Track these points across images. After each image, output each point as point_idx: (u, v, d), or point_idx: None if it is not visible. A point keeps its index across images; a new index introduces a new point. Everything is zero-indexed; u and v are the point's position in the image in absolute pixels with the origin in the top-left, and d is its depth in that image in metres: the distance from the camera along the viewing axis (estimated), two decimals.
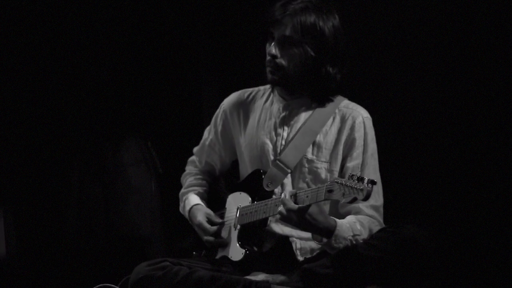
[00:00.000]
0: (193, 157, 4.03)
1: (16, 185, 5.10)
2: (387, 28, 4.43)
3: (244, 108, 3.81)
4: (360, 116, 3.59)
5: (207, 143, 3.94)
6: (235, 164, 3.88)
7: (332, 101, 3.62)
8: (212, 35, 5.09)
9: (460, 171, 4.31)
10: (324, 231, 3.39)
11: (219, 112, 3.89)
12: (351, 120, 3.58)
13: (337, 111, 3.62)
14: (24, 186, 5.11)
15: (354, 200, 3.13)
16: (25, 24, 5.05)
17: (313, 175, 3.59)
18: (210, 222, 3.74)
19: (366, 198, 3.10)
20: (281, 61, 3.54)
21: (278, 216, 3.37)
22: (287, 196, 3.35)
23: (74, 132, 5.13)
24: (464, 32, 4.27)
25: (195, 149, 4.02)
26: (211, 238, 3.72)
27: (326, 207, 3.57)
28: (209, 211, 3.79)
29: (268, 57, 3.56)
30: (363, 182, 3.10)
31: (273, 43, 3.54)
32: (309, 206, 3.30)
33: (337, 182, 3.18)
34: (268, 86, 3.79)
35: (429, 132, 4.37)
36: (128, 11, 5.13)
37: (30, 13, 5.04)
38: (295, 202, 3.32)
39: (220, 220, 3.73)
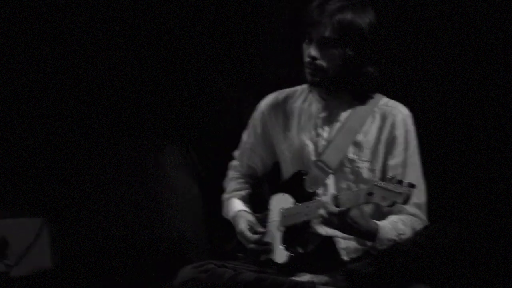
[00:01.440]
0: (234, 162, 4.04)
1: (58, 194, 5.13)
2: (424, 25, 4.40)
3: (282, 109, 3.81)
4: (401, 113, 3.57)
5: (247, 146, 3.95)
6: (278, 165, 3.87)
7: (371, 99, 3.61)
8: (247, 42, 5.09)
9: (506, 171, 4.27)
10: (366, 235, 3.38)
11: (257, 114, 3.90)
12: (391, 118, 3.57)
13: (376, 109, 3.60)
14: (65, 195, 5.15)
15: (394, 203, 3.11)
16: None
17: (355, 175, 3.58)
18: (252, 230, 3.74)
19: (405, 202, 3.08)
20: (321, 62, 3.52)
21: (319, 219, 3.38)
22: (328, 199, 3.35)
23: (115, 137, 5.16)
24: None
25: (236, 153, 4.03)
26: (253, 246, 3.73)
27: (370, 207, 3.54)
28: (251, 217, 3.80)
29: (307, 59, 3.54)
30: (402, 185, 3.08)
31: (312, 45, 3.53)
32: (349, 209, 3.29)
33: (377, 185, 3.16)
34: (305, 85, 3.77)
35: (470, 130, 4.33)
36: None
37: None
38: (336, 205, 3.32)
39: (262, 230, 3.72)
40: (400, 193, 3.07)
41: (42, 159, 5.15)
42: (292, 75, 3.83)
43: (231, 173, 4.04)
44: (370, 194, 3.19)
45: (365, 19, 3.50)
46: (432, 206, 3.58)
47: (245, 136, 3.96)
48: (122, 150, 5.15)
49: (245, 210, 3.85)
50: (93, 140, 5.15)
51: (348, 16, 3.48)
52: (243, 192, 3.94)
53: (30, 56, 5.07)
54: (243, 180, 3.98)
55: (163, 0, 5.08)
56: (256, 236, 3.71)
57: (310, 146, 3.66)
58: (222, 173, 4.11)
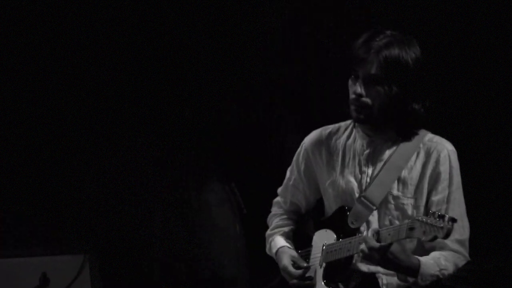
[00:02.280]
0: (277, 198, 4.05)
1: (100, 232, 5.17)
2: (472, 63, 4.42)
3: (326, 145, 3.81)
4: (445, 149, 3.56)
5: (290, 182, 3.96)
6: (321, 201, 3.88)
7: (416, 135, 3.60)
8: (290, 76, 5.13)
9: None
10: (408, 270, 3.38)
11: (301, 151, 3.91)
12: (436, 153, 3.56)
13: (421, 145, 3.59)
14: (107, 233, 5.18)
15: (435, 238, 3.12)
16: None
17: (400, 212, 3.57)
18: (296, 265, 3.75)
19: (446, 236, 3.09)
20: (367, 99, 3.53)
21: (360, 254, 3.38)
22: (370, 234, 3.35)
23: (158, 174, 5.20)
24: None
25: (279, 190, 4.04)
26: (296, 282, 3.73)
27: (413, 243, 3.54)
28: (294, 253, 3.81)
29: (353, 96, 3.55)
30: (443, 220, 3.09)
31: (358, 82, 3.53)
32: (391, 244, 3.30)
33: (418, 220, 3.17)
34: (348, 121, 3.79)
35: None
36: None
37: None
38: (378, 240, 3.32)
39: (306, 264, 3.73)
40: (441, 228, 3.08)
41: (85, 198, 5.21)
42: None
43: (275, 210, 4.05)
44: (411, 229, 3.20)
45: (411, 54, 3.50)
46: (474, 243, 3.58)
47: (289, 173, 3.98)
48: (165, 187, 5.19)
49: (288, 246, 3.86)
50: (133, 177, 5.19)
51: (394, 52, 3.48)
52: (286, 229, 3.95)
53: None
54: (286, 217, 3.99)
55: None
56: (299, 272, 3.71)
57: (354, 183, 3.67)
58: (264, 210, 4.13)
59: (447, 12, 4.37)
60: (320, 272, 3.66)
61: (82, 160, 5.24)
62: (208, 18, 5.15)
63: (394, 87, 3.50)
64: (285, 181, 4.00)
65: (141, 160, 5.25)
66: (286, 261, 3.77)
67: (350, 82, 3.59)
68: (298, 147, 3.92)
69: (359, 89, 3.53)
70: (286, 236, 3.93)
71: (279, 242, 3.91)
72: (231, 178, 5.04)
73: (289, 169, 3.98)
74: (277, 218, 4.01)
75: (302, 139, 3.93)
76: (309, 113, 5.03)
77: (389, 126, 3.61)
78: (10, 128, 5.25)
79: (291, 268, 3.74)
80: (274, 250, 3.89)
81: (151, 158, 5.24)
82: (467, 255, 3.52)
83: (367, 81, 3.52)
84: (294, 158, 3.94)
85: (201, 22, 5.15)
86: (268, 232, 4.01)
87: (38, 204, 5.24)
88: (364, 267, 3.58)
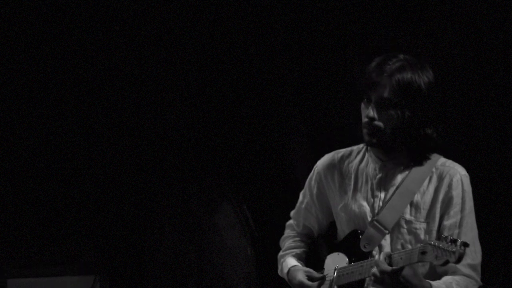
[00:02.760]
0: (290, 221, 4.06)
1: (111, 252, 5.18)
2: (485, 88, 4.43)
3: (338, 169, 3.82)
4: (458, 173, 3.56)
5: (303, 206, 3.97)
6: (334, 224, 3.88)
7: (428, 159, 3.60)
8: (304, 102, 5.15)
9: None
10: None
11: (313, 174, 3.92)
12: (448, 178, 3.56)
13: (434, 169, 3.60)
14: (118, 253, 5.19)
15: (447, 262, 3.13)
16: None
17: (412, 236, 3.57)
18: (311, 278, 3.74)
19: (458, 260, 3.10)
20: (379, 123, 3.53)
21: (372, 278, 3.38)
22: (381, 258, 3.36)
23: (169, 195, 5.21)
24: None
25: (292, 213, 4.05)
26: None
27: (425, 267, 3.55)
28: (307, 268, 3.80)
29: (365, 119, 3.56)
30: (456, 245, 3.10)
31: (370, 105, 3.54)
32: (402, 268, 3.30)
33: (430, 244, 3.18)
34: (361, 145, 3.80)
35: None
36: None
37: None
38: (389, 264, 3.33)
39: (321, 275, 3.73)
40: (453, 252, 3.09)
41: (97, 218, 5.22)
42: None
43: (287, 232, 4.06)
44: (423, 253, 3.21)
45: (424, 78, 3.51)
46: (486, 268, 3.58)
47: (301, 196, 3.99)
48: (176, 209, 5.20)
49: (299, 265, 3.87)
50: (144, 199, 5.21)
51: (407, 76, 3.49)
52: (298, 250, 3.96)
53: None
54: (299, 239, 4.00)
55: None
56: (315, 284, 3.71)
57: (366, 207, 3.68)
58: (276, 234, 4.13)
59: (461, 37, 4.39)
60: None
61: (97, 178, 5.27)
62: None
63: (406, 111, 3.51)
64: (297, 204, 4.01)
65: (152, 182, 5.26)
66: (300, 276, 3.76)
67: (362, 105, 3.60)
68: (310, 170, 3.94)
69: (372, 112, 3.54)
70: (298, 257, 3.93)
71: (290, 262, 3.91)
72: (242, 200, 5.05)
73: (301, 192, 3.99)
74: (289, 240, 4.02)
75: (315, 162, 3.94)
76: (322, 136, 5.04)
77: (402, 150, 3.62)
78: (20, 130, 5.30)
79: (307, 282, 3.73)
80: (285, 270, 3.89)
81: (163, 180, 5.25)
82: (479, 280, 3.52)
83: (380, 105, 3.53)
84: (307, 182, 3.95)
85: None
86: (280, 253, 4.02)
87: (50, 221, 5.26)
88: None
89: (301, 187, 4.01)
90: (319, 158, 3.94)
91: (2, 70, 5.24)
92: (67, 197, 5.31)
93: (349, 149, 3.87)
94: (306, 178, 3.96)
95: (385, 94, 3.50)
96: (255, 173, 5.15)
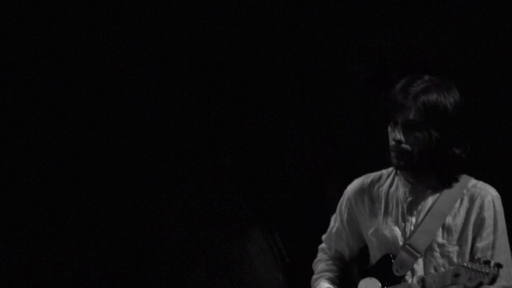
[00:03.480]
0: (322, 245, 4.05)
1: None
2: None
3: (368, 194, 3.81)
4: (489, 195, 3.55)
5: (333, 231, 3.96)
6: (366, 249, 3.87)
7: (458, 181, 3.59)
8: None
9: None
10: None
11: (344, 199, 3.90)
12: (480, 199, 3.54)
13: (465, 191, 3.58)
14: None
15: (480, 284, 3.11)
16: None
17: (445, 259, 3.55)
18: None
19: (492, 282, 3.09)
20: (407, 146, 3.53)
21: None
22: (415, 281, 3.35)
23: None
24: None
25: (324, 237, 4.04)
26: None
27: None
28: None
29: (392, 142, 3.56)
30: (489, 266, 3.08)
31: (397, 128, 3.54)
32: None
33: (463, 266, 3.17)
34: (390, 169, 3.78)
35: None
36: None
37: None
38: (423, 287, 3.31)
39: None
40: (487, 273, 3.08)
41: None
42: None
43: (320, 255, 4.05)
44: (456, 275, 3.20)
45: (450, 99, 3.51)
46: None
47: (332, 221, 3.98)
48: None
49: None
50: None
51: (433, 97, 3.48)
52: (331, 274, 3.93)
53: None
54: (331, 262, 3.98)
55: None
56: None
57: (398, 231, 3.66)
58: (307, 259, 4.13)
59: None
60: None
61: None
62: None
63: (433, 133, 3.50)
64: (329, 229, 4.00)
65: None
66: None
67: (389, 128, 3.60)
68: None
69: (398, 135, 3.53)
70: (332, 281, 3.91)
71: (324, 286, 3.90)
72: (273, 227, 5.05)
73: (332, 217, 3.98)
74: (322, 263, 4.00)
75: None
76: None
77: (431, 173, 3.61)
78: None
79: None
80: None
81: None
82: None
83: (406, 127, 3.52)
84: (338, 207, 3.94)
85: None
86: (314, 276, 4.00)
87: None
88: None
89: (332, 211, 4.00)
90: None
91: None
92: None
93: (379, 173, 3.86)
94: (336, 202, 3.96)
95: (411, 116, 3.50)
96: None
